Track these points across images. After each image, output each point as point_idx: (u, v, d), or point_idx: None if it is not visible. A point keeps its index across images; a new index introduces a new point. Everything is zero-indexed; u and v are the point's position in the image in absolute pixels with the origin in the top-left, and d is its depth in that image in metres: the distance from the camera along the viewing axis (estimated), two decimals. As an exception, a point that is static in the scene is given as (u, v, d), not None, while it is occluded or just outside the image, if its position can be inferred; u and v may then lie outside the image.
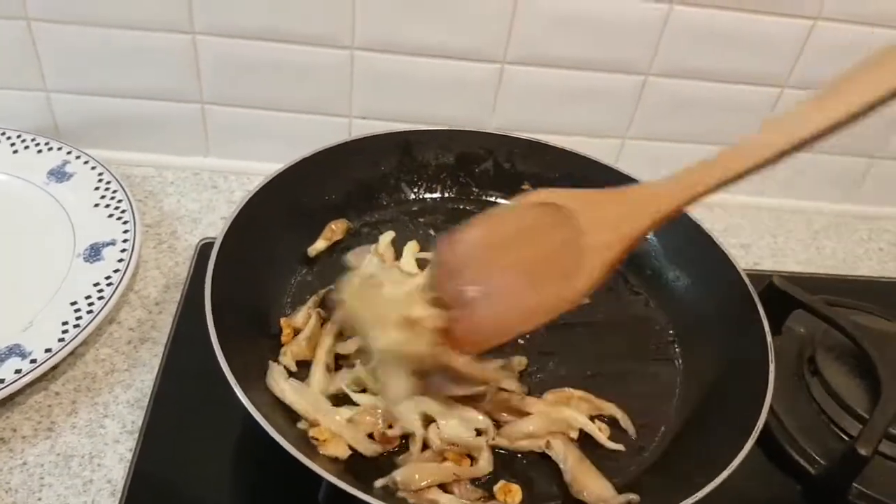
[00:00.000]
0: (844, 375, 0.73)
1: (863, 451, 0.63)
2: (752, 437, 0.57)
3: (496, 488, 0.59)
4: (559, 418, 0.63)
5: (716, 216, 1.01)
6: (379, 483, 0.58)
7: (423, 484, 0.57)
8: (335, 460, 0.59)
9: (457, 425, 0.61)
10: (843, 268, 0.98)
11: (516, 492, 0.59)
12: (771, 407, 0.61)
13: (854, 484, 0.67)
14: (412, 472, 0.58)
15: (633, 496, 0.57)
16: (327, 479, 0.51)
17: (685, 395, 0.69)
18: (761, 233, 1.01)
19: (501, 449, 0.62)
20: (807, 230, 1.03)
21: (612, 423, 0.66)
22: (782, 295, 0.76)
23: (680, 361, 0.72)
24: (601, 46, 0.89)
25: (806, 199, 1.05)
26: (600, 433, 0.63)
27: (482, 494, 0.58)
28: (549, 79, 0.91)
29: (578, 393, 0.66)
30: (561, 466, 0.60)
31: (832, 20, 0.88)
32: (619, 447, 0.63)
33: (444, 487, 0.58)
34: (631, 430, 0.65)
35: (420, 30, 0.86)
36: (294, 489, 0.62)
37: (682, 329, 0.74)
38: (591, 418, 0.65)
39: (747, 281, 0.70)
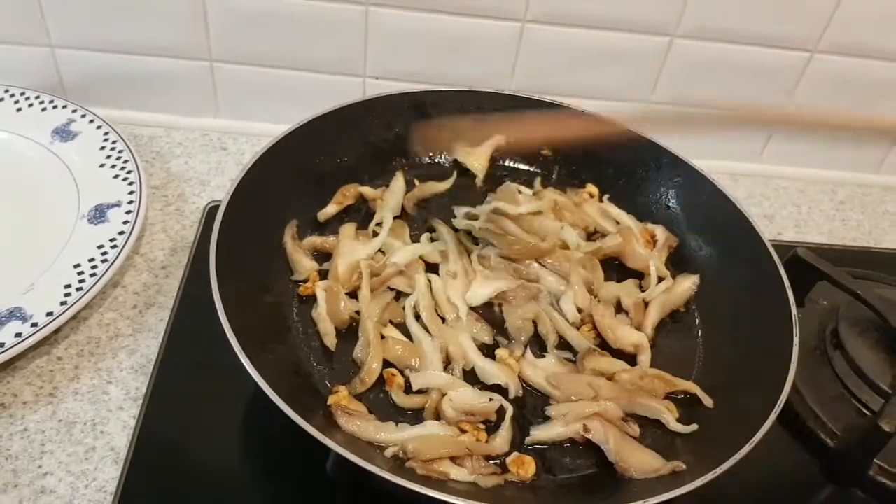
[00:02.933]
0: (868, 349, 0.71)
1: (886, 427, 0.61)
2: (773, 414, 0.56)
3: (509, 460, 0.57)
4: (638, 403, 0.61)
5: (739, 185, 0.97)
6: (389, 452, 0.56)
7: (434, 455, 0.56)
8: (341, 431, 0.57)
9: (469, 394, 0.60)
10: (867, 240, 0.95)
11: (529, 463, 0.57)
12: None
13: (875, 460, 0.65)
14: (425, 442, 0.56)
15: (679, 463, 0.56)
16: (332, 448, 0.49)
17: (705, 368, 0.67)
18: (784, 203, 0.98)
19: (539, 444, 0.60)
20: (830, 201, 1.00)
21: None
22: (806, 266, 0.74)
23: (700, 332, 0.70)
24: (626, 5, 0.85)
25: (830, 168, 1.01)
26: (671, 416, 0.61)
27: (494, 470, 0.56)
28: (570, 39, 0.87)
29: (652, 371, 0.64)
30: (604, 447, 0.58)
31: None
32: (692, 429, 0.61)
33: (455, 460, 0.56)
34: (709, 403, 0.63)
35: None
36: (302, 455, 0.60)
37: (702, 299, 0.72)
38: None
39: (773, 252, 0.68)
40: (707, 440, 0.59)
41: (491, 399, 0.60)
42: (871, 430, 0.63)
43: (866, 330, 0.72)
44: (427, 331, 0.65)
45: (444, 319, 0.66)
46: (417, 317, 0.66)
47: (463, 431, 0.58)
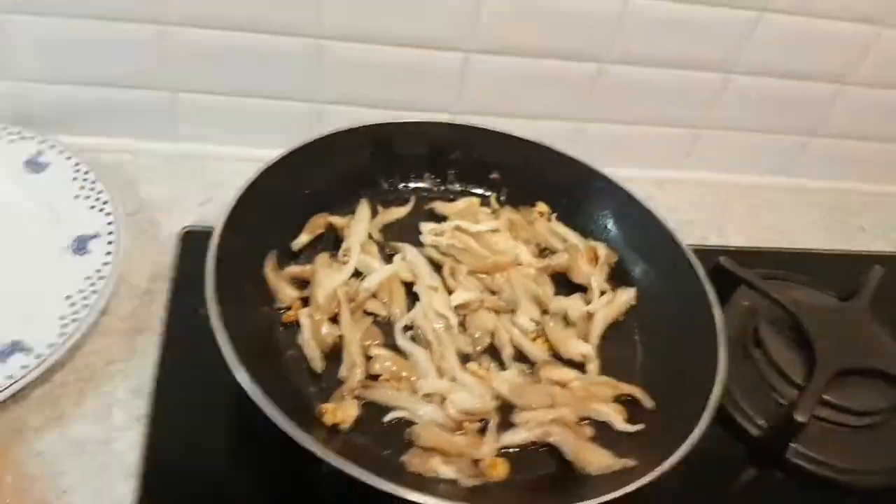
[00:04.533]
0: (784, 347, 0.81)
1: (799, 418, 0.72)
2: (705, 414, 0.65)
3: (483, 464, 0.65)
4: (589, 408, 0.69)
5: (665, 191, 1.07)
6: (388, 417, 0.66)
7: (432, 444, 0.64)
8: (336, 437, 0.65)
9: (466, 397, 0.68)
10: (781, 240, 1.07)
11: (501, 465, 0.65)
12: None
13: (791, 444, 0.75)
14: (427, 431, 0.65)
15: (629, 461, 0.64)
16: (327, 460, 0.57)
17: (645, 373, 0.76)
18: (708, 208, 1.09)
19: (508, 448, 0.67)
20: (748, 205, 1.11)
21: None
22: (727, 273, 0.84)
23: (638, 340, 0.80)
24: (560, 36, 0.94)
25: (747, 173, 1.13)
26: (618, 418, 0.69)
27: (477, 472, 0.64)
28: (511, 66, 0.95)
29: (600, 378, 0.73)
30: (562, 449, 0.66)
31: (779, 12, 0.95)
32: (638, 427, 0.69)
33: (445, 458, 0.64)
34: (650, 404, 0.72)
35: (387, 19, 0.89)
36: (298, 464, 0.66)
37: (639, 310, 0.81)
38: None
39: (700, 270, 0.77)
40: (651, 438, 0.68)
41: (484, 399, 0.68)
42: (786, 420, 0.72)
43: (783, 329, 0.82)
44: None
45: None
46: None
47: (458, 431, 0.66)
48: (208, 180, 0.96)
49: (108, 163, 0.94)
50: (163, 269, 0.85)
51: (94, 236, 0.82)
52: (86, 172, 0.88)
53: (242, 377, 0.60)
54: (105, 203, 0.85)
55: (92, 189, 0.87)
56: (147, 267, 0.85)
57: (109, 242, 0.82)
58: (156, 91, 0.93)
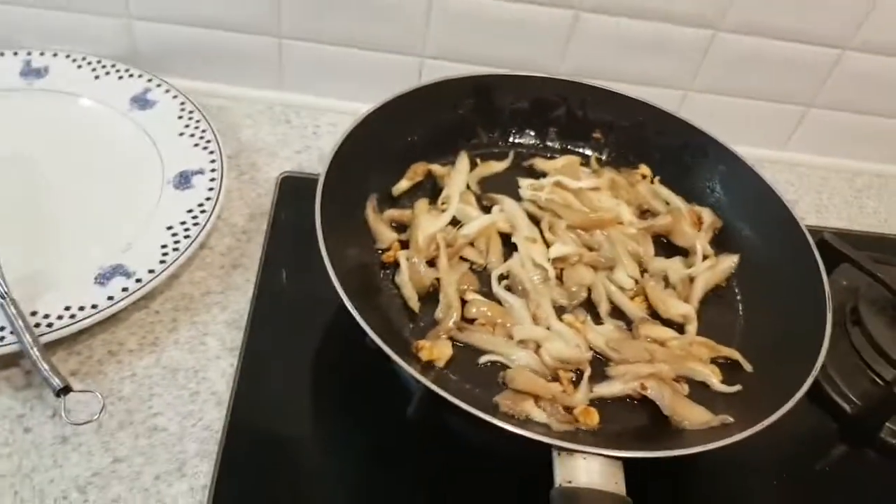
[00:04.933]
0: (884, 326, 0.79)
1: None
2: (809, 378, 0.63)
3: (577, 411, 0.64)
4: (686, 367, 0.68)
5: (765, 172, 1.04)
6: (482, 359, 0.66)
7: (524, 387, 0.64)
8: (430, 373, 0.65)
9: (561, 346, 0.67)
10: (882, 227, 1.03)
11: (594, 414, 0.64)
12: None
13: (887, 424, 0.74)
14: (521, 374, 0.65)
15: (727, 416, 0.63)
16: (424, 384, 0.57)
17: (744, 339, 0.74)
18: (807, 189, 1.05)
19: (600, 398, 0.66)
20: (850, 189, 1.07)
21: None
22: (830, 250, 0.81)
23: (740, 307, 0.77)
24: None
25: (851, 158, 1.09)
26: (715, 379, 0.68)
27: (569, 419, 0.63)
28: (619, 28, 0.93)
29: (699, 339, 0.71)
30: (659, 403, 0.65)
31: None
32: (736, 388, 0.68)
33: (537, 401, 0.64)
34: (749, 367, 0.70)
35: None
36: (386, 402, 0.68)
37: (742, 278, 0.79)
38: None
39: (809, 237, 0.75)
40: (747, 401, 0.66)
41: (580, 349, 0.68)
42: (884, 398, 0.71)
43: (883, 309, 0.80)
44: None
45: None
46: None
47: (555, 380, 0.66)
48: (307, 130, 0.97)
49: (211, 106, 0.96)
50: (261, 211, 0.86)
51: (198, 172, 0.84)
52: (191, 112, 0.90)
53: (349, 305, 0.60)
54: (209, 142, 0.87)
55: (197, 128, 0.89)
56: (245, 208, 0.86)
57: (212, 179, 0.83)
58: (263, 37, 0.94)
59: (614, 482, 0.54)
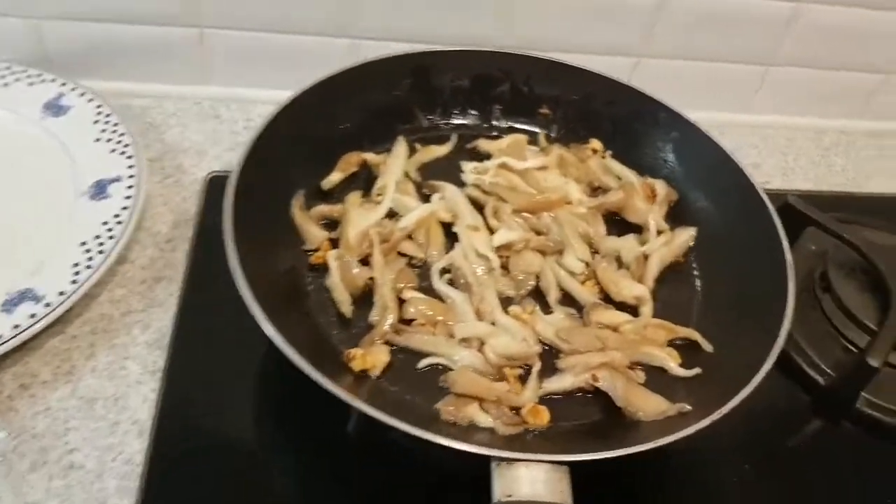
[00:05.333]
0: (855, 290, 0.75)
1: (873, 362, 0.65)
2: (769, 358, 0.58)
3: (524, 410, 0.59)
4: (642, 352, 0.63)
5: (727, 136, 0.98)
6: (422, 363, 0.61)
7: (467, 391, 0.59)
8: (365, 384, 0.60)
9: (507, 341, 0.62)
10: (851, 185, 0.98)
11: (543, 412, 0.59)
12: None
13: (862, 393, 0.69)
14: (463, 376, 0.60)
15: (684, 405, 0.59)
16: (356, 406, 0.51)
17: (703, 316, 0.69)
18: (771, 151, 1.00)
19: (550, 394, 0.61)
20: (816, 148, 1.02)
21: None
22: (796, 213, 0.77)
23: (698, 282, 0.73)
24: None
25: (815, 116, 1.03)
26: (673, 363, 0.63)
27: (515, 419, 0.58)
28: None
29: (654, 321, 0.66)
30: (612, 394, 0.60)
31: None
32: (695, 372, 0.63)
33: (482, 404, 0.59)
34: (709, 347, 0.65)
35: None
36: (323, 419, 0.62)
37: (700, 251, 0.74)
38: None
39: (768, 203, 0.70)
40: (708, 383, 0.62)
41: (528, 343, 0.62)
42: (859, 366, 0.67)
43: (853, 272, 0.76)
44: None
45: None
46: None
47: (500, 380, 0.60)
48: (238, 125, 0.91)
49: (134, 106, 0.90)
50: (187, 217, 0.80)
51: (115, 180, 0.78)
52: (107, 115, 0.84)
53: (263, 322, 0.54)
54: (126, 146, 0.81)
55: (114, 132, 0.82)
56: (170, 214, 0.80)
57: (129, 187, 0.77)
58: (183, 28, 0.87)
59: (559, 491, 0.48)
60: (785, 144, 1.01)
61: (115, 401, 0.65)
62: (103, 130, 0.82)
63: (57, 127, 0.83)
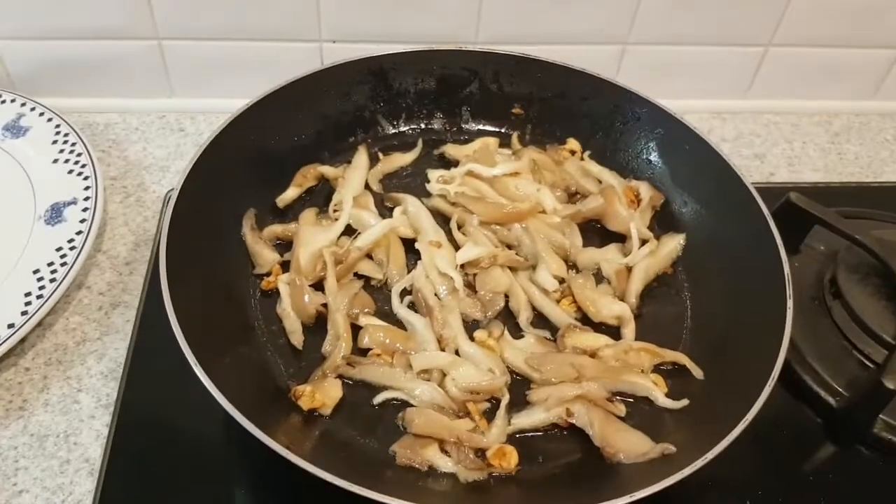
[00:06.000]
0: (869, 297, 0.68)
1: (889, 384, 0.58)
2: (767, 387, 0.52)
3: (489, 453, 0.54)
4: (623, 381, 0.58)
5: (727, 125, 0.93)
6: (377, 399, 0.57)
7: (426, 431, 0.54)
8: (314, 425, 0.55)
9: (471, 372, 0.57)
10: (865, 174, 0.91)
11: (511, 454, 0.54)
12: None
13: (880, 416, 0.62)
14: (421, 415, 0.55)
15: (668, 446, 0.53)
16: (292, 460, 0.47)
17: (694, 335, 0.64)
18: (776, 140, 0.93)
19: (520, 432, 0.57)
20: (826, 133, 0.95)
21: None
22: (800, 212, 0.70)
23: (688, 296, 0.67)
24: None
25: (824, 98, 0.96)
26: (659, 392, 0.58)
27: (478, 464, 0.53)
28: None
29: (637, 344, 0.61)
30: (588, 432, 0.55)
31: None
32: (682, 404, 0.58)
33: (442, 445, 0.55)
34: (699, 374, 0.60)
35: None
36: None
37: (689, 260, 0.69)
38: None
39: (762, 205, 0.64)
40: (700, 414, 0.57)
41: (494, 373, 0.58)
42: (874, 387, 0.59)
43: (866, 276, 0.69)
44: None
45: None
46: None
47: (462, 416, 0.56)
48: (203, 137, 0.86)
49: (97, 123, 0.87)
50: (147, 238, 0.77)
51: (71, 203, 0.75)
52: (66, 135, 0.81)
53: (195, 366, 0.51)
54: (84, 166, 0.78)
55: (72, 152, 0.79)
56: (130, 235, 0.77)
57: (84, 209, 0.74)
58: (141, 41, 0.84)
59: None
60: (790, 131, 0.94)
61: (66, 437, 0.63)
62: (61, 151, 0.79)
63: (16, 149, 0.81)
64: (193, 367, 0.51)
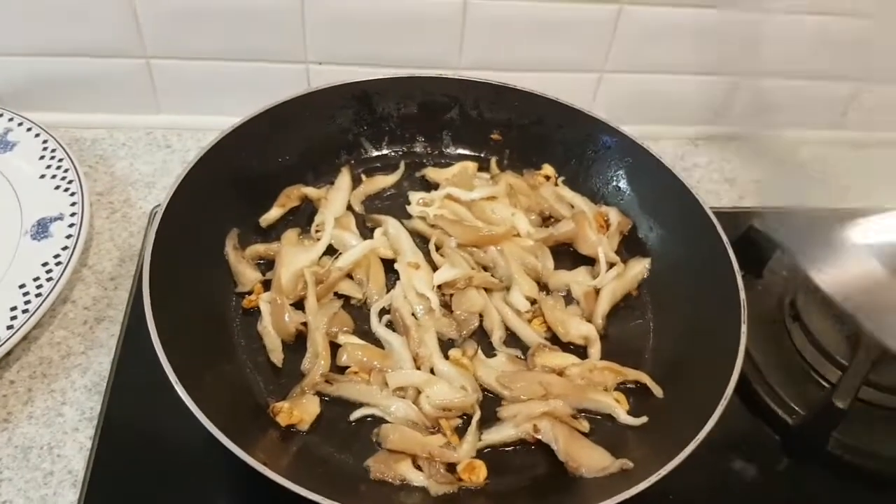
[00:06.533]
0: (826, 320, 0.70)
1: (840, 404, 0.61)
2: (718, 408, 0.55)
3: (459, 467, 0.56)
4: (588, 398, 0.61)
5: (700, 150, 0.96)
6: (354, 415, 0.59)
7: (399, 447, 0.56)
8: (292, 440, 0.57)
9: (444, 390, 0.60)
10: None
11: (480, 468, 0.57)
12: (749, 355, 0.59)
13: (834, 434, 0.65)
14: (395, 431, 0.57)
15: (627, 461, 0.56)
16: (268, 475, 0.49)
17: (656, 355, 0.67)
18: (745, 164, 0.96)
19: (490, 447, 0.59)
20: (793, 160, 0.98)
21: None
22: (762, 237, 0.73)
23: (651, 318, 0.70)
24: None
25: (791, 126, 0.99)
26: (620, 409, 0.61)
27: (448, 478, 0.56)
28: (517, 11, 0.84)
29: (601, 363, 0.64)
30: (553, 447, 0.57)
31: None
32: (641, 421, 0.60)
33: (415, 460, 0.57)
34: (659, 392, 0.62)
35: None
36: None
37: (654, 283, 0.71)
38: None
39: (722, 234, 0.67)
40: (658, 431, 0.59)
41: (466, 391, 0.60)
42: (826, 406, 0.62)
43: (824, 301, 0.70)
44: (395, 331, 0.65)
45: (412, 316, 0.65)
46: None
47: (434, 432, 0.58)
48: (189, 154, 0.88)
49: (84, 139, 0.89)
50: (132, 253, 0.78)
51: (57, 218, 0.76)
52: (53, 150, 0.82)
53: (175, 382, 0.53)
54: (70, 182, 0.79)
55: (59, 167, 0.81)
56: (116, 251, 0.79)
57: (71, 225, 0.75)
58: (128, 59, 0.85)
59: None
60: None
61: (50, 449, 0.64)
62: (48, 166, 0.81)
63: (2, 163, 0.82)
64: (175, 385, 0.53)
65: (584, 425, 0.59)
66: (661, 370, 0.64)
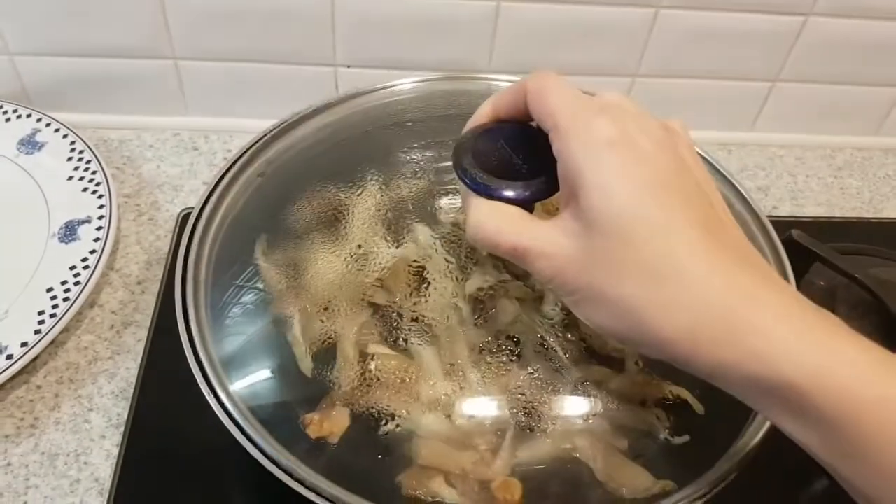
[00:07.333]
0: (866, 334, 0.66)
1: None
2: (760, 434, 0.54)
3: (494, 486, 0.55)
4: (627, 414, 0.59)
5: (733, 157, 0.94)
6: (384, 428, 0.57)
7: (432, 463, 0.55)
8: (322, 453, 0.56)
9: (477, 402, 0.58)
10: (867, 209, 0.92)
11: (515, 487, 0.55)
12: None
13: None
14: (429, 447, 0.55)
15: (669, 482, 0.54)
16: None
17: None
18: (780, 173, 0.94)
19: (525, 465, 0.57)
20: (829, 167, 0.96)
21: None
22: (801, 248, 0.71)
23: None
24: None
25: (827, 133, 0.97)
26: (661, 426, 0.59)
27: (482, 497, 0.54)
28: (550, 14, 0.83)
29: (642, 378, 0.61)
30: (592, 465, 0.55)
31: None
32: (682, 440, 0.58)
33: (448, 478, 0.55)
34: (700, 409, 0.60)
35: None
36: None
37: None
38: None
39: (775, 235, 0.65)
40: (699, 449, 0.57)
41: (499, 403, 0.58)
42: None
43: (865, 314, 0.70)
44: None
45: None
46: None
47: (468, 447, 0.56)
48: (217, 157, 0.88)
49: (112, 140, 0.89)
50: (160, 257, 0.78)
51: (85, 221, 0.76)
52: (81, 151, 0.82)
53: (207, 394, 0.52)
54: (98, 184, 0.79)
55: (87, 169, 0.81)
56: (143, 254, 0.78)
57: (98, 228, 0.75)
58: (156, 60, 0.85)
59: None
60: (794, 164, 0.95)
61: (76, 456, 0.64)
62: (76, 168, 0.81)
63: (31, 164, 0.82)
64: (206, 396, 0.52)
65: (623, 443, 0.57)
66: (700, 383, 0.62)
